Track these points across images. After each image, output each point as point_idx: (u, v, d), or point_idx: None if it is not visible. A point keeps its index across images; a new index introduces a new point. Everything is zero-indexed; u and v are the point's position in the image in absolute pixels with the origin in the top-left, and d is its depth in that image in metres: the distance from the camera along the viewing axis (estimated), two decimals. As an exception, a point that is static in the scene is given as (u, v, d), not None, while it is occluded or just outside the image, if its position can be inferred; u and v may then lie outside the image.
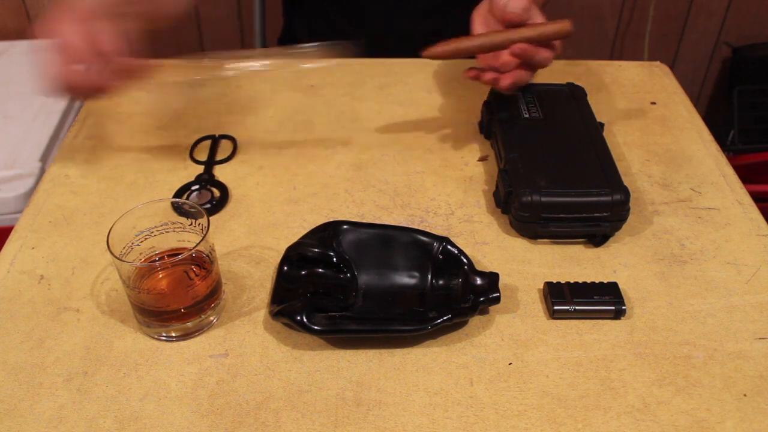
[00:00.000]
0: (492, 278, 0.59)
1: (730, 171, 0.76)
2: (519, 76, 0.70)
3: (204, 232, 0.56)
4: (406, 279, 0.62)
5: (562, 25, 0.67)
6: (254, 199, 0.72)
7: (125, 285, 0.56)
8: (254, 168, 0.77)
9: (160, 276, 0.58)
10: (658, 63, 0.96)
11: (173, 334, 0.58)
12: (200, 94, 0.88)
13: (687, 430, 0.51)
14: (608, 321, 0.60)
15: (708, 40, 1.76)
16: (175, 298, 0.57)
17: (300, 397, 0.53)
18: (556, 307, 0.59)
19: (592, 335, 0.58)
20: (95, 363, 0.56)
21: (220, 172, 0.76)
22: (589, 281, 0.62)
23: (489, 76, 0.70)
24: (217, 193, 0.72)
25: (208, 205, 0.71)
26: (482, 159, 0.78)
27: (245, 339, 0.58)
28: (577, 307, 0.59)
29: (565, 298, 0.60)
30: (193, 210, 0.59)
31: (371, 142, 0.80)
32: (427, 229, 0.65)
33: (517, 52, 0.67)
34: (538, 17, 0.68)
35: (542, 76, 0.91)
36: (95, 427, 0.51)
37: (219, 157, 0.78)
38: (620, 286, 0.61)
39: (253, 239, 0.67)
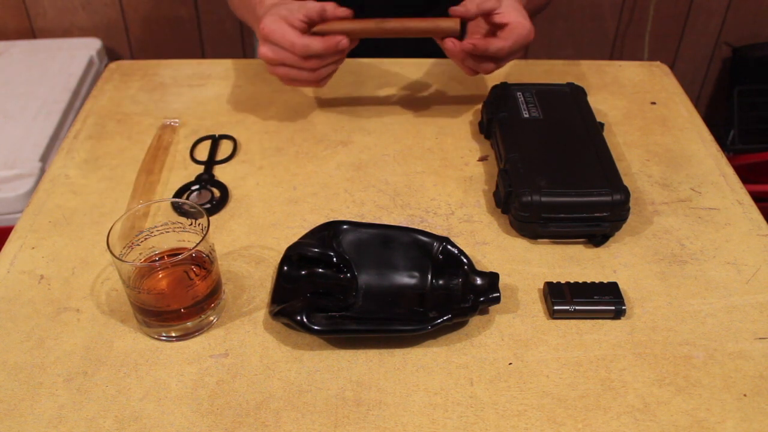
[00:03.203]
0: (492, 278, 0.59)
1: (730, 171, 0.76)
2: (482, 67, 0.75)
3: (204, 232, 0.56)
4: (406, 279, 0.62)
5: (451, 23, 0.72)
6: (254, 199, 0.72)
7: (125, 285, 0.56)
8: (254, 168, 0.77)
9: (160, 276, 0.58)
10: (658, 63, 0.96)
11: (173, 334, 0.58)
12: (200, 94, 0.88)
13: (687, 430, 0.51)
14: (608, 321, 0.60)
15: (708, 40, 1.76)
16: (175, 298, 0.57)
17: (300, 397, 0.53)
18: (556, 307, 0.59)
19: (592, 335, 0.58)
20: (95, 363, 0.56)
21: (220, 172, 0.76)
22: (589, 281, 0.62)
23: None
24: (217, 193, 0.72)
25: (208, 205, 0.71)
26: (482, 159, 0.78)
27: (245, 339, 0.58)
28: (577, 307, 0.59)
29: (565, 298, 0.60)
30: (193, 210, 0.59)
31: (371, 142, 0.80)
32: (427, 229, 0.65)
33: (467, 48, 0.72)
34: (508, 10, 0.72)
35: (542, 76, 0.92)
36: (95, 427, 0.51)
37: (219, 157, 0.78)
38: (620, 286, 0.61)
39: (253, 239, 0.67)
